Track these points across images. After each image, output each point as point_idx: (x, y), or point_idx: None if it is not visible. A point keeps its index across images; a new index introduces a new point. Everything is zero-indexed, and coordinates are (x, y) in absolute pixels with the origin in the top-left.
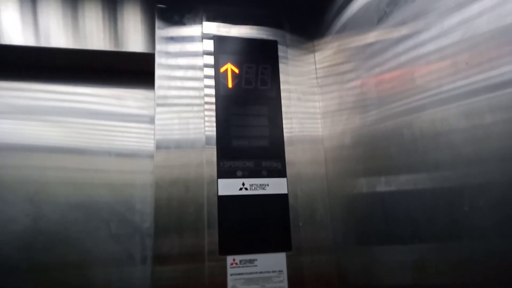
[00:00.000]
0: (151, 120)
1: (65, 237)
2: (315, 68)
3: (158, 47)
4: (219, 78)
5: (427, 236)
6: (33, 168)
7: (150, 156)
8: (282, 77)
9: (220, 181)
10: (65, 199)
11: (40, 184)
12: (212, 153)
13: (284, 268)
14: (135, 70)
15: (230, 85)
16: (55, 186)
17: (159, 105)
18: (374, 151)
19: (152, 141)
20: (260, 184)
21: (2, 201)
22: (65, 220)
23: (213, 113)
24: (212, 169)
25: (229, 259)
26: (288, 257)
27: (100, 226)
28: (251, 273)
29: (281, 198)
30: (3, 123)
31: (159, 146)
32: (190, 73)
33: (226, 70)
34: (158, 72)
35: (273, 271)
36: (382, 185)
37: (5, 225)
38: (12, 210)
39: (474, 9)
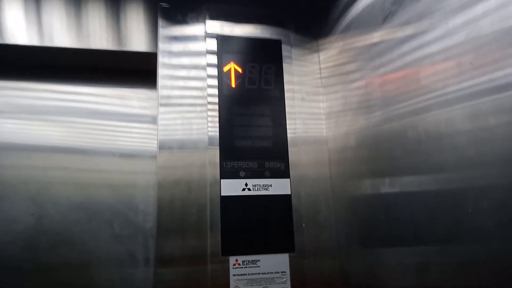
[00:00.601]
0: (154, 120)
1: (67, 237)
2: (319, 68)
3: (161, 46)
4: (222, 77)
5: (430, 238)
6: (36, 168)
7: (153, 156)
8: (286, 77)
9: (223, 181)
10: (68, 199)
11: (43, 184)
12: (215, 154)
13: (287, 269)
14: (138, 70)
15: (233, 84)
16: (58, 186)
17: (162, 105)
18: (378, 153)
19: (155, 142)
20: (263, 185)
21: (5, 201)
22: (67, 220)
23: (216, 113)
24: (215, 170)
25: (232, 259)
26: (291, 258)
27: (102, 226)
28: (253, 274)
29: (284, 199)
30: (6, 122)
31: (162, 146)
32: (193, 73)
33: (230, 69)
34: (161, 71)
35: (276, 272)
36: (386, 186)
37: (7, 225)
38: (14, 210)
39: (478, 9)
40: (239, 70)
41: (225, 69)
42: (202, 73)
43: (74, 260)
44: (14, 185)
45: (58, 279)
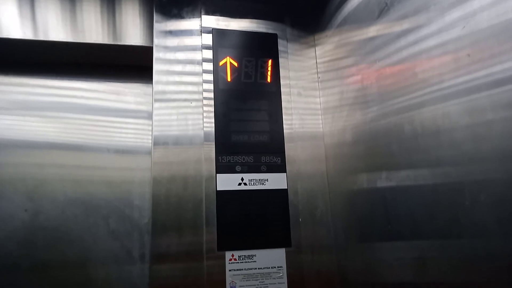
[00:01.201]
0: (150, 116)
1: (63, 233)
2: (316, 63)
3: (156, 41)
4: (218, 71)
5: (428, 233)
6: (31, 165)
7: (149, 152)
8: (282, 72)
9: (219, 176)
10: (64, 195)
11: (39, 181)
12: (210, 149)
13: (283, 264)
14: (133, 65)
15: (229, 78)
16: (54, 183)
17: (157, 100)
18: (375, 148)
19: (151, 137)
20: (259, 179)
21: (0, 198)
22: (64, 216)
23: (212, 108)
24: (210, 165)
25: (228, 254)
26: (287, 253)
27: (98, 222)
28: (250, 269)
29: (281, 193)
30: (0, 118)
31: (157, 142)
32: (188, 68)
33: (225, 63)
34: (156, 66)
35: (273, 267)
36: (383, 182)
37: (3, 222)
38: (10, 207)
39: (475, 4)
40: (235, 64)
41: (221, 63)
42: (197, 68)
43: (71, 256)
44: (10, 182)
45: (54, 275)
